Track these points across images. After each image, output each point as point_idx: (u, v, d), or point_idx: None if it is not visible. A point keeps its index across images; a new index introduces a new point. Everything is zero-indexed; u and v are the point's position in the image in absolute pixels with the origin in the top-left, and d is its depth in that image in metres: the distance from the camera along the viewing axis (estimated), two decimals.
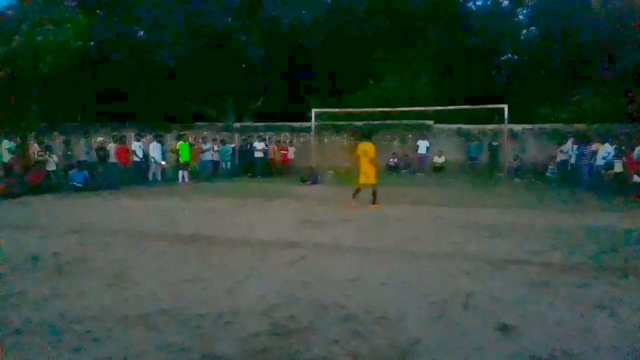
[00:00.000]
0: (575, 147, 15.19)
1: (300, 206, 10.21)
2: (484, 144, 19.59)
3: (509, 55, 27.65)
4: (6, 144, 13.05)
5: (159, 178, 16.44)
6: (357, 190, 10.05)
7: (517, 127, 19.44)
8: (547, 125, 19.78)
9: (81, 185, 13.50)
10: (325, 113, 20.43)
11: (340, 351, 3.12)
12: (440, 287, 4.43)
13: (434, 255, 5.67)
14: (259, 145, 19.16)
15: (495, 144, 19.02)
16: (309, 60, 25.24)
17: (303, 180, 16.08)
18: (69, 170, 14.17)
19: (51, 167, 14.17)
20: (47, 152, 14.28)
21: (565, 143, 16.24)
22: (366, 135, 11.24)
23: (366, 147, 10.01)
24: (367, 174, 9.86)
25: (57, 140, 16.50)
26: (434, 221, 8.18)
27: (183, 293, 4.31)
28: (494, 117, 19.42)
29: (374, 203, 9.86)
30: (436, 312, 3.83)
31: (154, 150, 16.29)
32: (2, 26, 17.56)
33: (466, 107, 19.35)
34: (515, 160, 18.12)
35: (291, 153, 20.32)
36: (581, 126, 18.45)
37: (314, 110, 18.57)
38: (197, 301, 4.09)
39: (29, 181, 12.90)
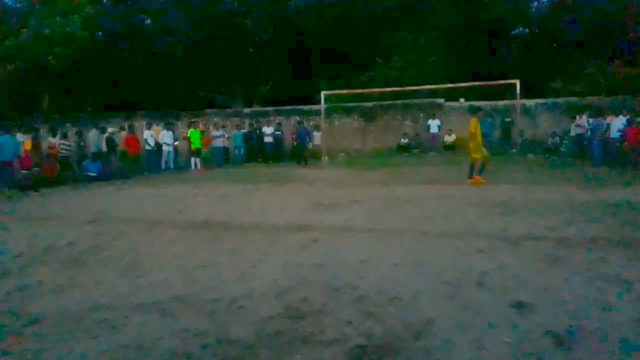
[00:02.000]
0: (590, 120, 14.88)
1: (312, 189, 10.19)
2: (496, 121, 19.26)
3: (520, 29, 27.02)
4: (19, 137, 13.17)
5: (172, 166, 16.53)
6: (472, 165, 10.05)
7: (530, 103, 19.08)
8: (560, 100, 19.35)
9: (95, 175, 13.65)
10: (335, 95, 20.21)
11: (354, 332, 3.12)
12: (453, 266, 4.40)
13: (446, 234, 5.63)
14: (268, 130, 19.04)
15: (507, 120, 18.71)
16: (317, 42, 24.93)
17: (305, 161, 16.04)
18: (83, 160, 14.34)
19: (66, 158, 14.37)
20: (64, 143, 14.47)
21: (580, 117, 15.87)
22: (474, 111, 11.12)
23: (470, 123, 10.07)
24: (471, 149, 9.99)
25: (69, 132, 16.64)
26: (446, 200, 8.10)
27: (197, 279, 4.34)
28: (505, 92, 19.06)
29: (469, 177, 9.95)
30: (450, 291, 3.80)
31: (165, 137, 16.35)
32: (9, 19, 17.64)
33: (477, 84, 19.01)
34: (521, 136, 17.83)
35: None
36: (595, 99, 18.02)
37: (323, 93, 18.40)
38: (210, 287, 4.12)
39: (43, 173, 13.06)
